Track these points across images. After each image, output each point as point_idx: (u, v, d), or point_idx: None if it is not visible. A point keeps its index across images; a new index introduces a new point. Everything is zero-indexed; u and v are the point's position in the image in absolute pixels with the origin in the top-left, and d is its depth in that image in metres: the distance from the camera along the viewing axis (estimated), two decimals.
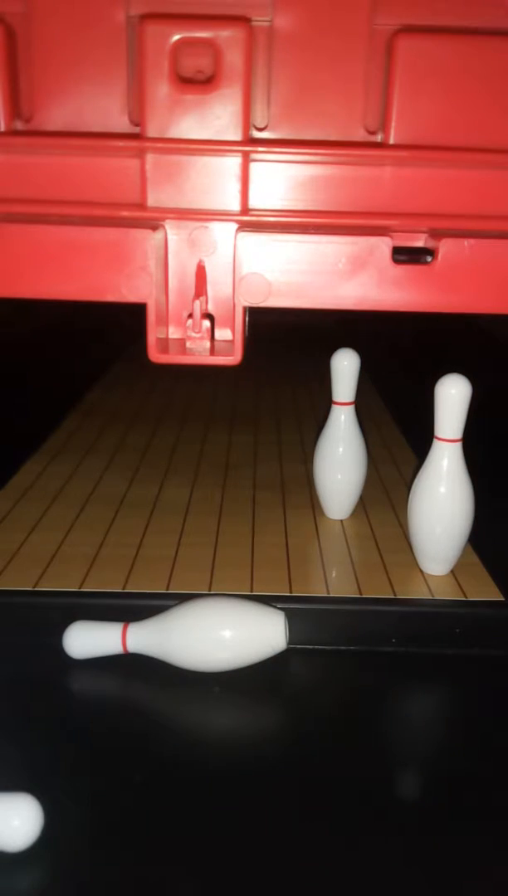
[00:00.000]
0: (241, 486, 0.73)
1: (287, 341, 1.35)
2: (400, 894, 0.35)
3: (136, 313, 0.40)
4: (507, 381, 0.98)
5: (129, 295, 0.38)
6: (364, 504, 0.67)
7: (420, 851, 0.36)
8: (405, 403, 0.97)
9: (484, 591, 0.55)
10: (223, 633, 0.48)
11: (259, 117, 0.38)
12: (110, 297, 0.39)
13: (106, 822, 0.38)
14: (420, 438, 0.58)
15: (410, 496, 0.56)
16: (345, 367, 0.62)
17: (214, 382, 1.09)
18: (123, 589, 0.54)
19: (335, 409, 0.64)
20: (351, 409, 0.63)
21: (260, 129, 0.38)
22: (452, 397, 0.51)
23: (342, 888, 0.35)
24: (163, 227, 0.39)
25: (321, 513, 0.67)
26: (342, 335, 0.82)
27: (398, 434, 0.88)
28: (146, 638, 0.49)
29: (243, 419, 0.93)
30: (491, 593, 0.54)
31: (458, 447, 0.53)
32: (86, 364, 1.22)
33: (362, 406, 0.64)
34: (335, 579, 0.56)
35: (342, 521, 0.66)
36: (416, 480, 0.55)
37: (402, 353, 1.32)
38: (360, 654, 0.52)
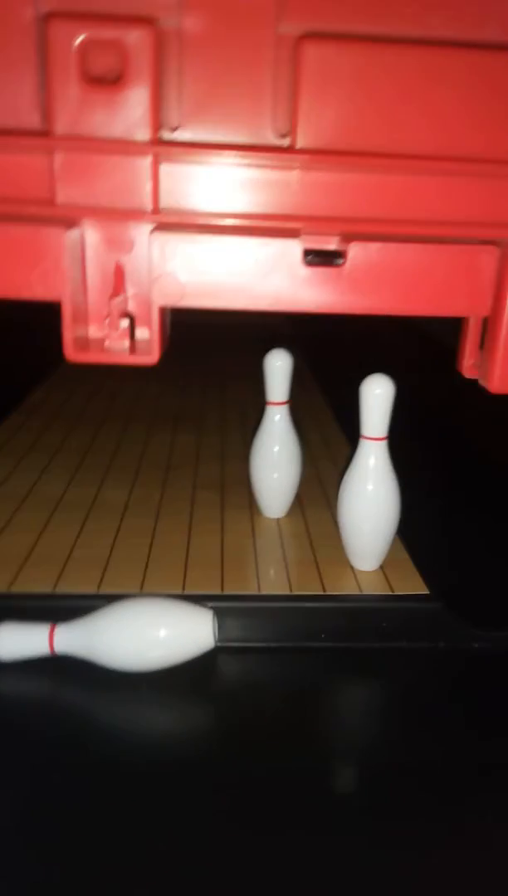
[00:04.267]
0: (181, 485, 0.73)
1: (234, 341, 1.36)
2: (341, 889, 0.35)
3: None
4: (440, 380, 1.00)
5: (42, 293, 0.38)
6: (302, 502, 0.68)
7: (359, 843, 0.37)
8: (349, 402, 0.98)
9: (411, 585, 0.56)
10: (150, 633, 0.48)
11: (174, 116, 0.38)
12: (26, 295, 0.38)
13: (31, 824, 0.38)
14: (358, 435, 0.59)
15: (339, 494, 0.57)
16: (278, 367, 0.63)
17: (160, 383, 1.08)
18: (54, 590, 0.54)
19: (270, 409, 0.64)
20: (285, 408, 0.64)
21: (173, 129, 0.39)
22: (377, 397, 0.52)
23: (279, 885, 0.35)
24: (80, 225, 0.39)
25: (258, 512, 0.67)
26: (293, 335, 0.82)
27: (339, 432, 0.89)
28: (74, 639, 0.48)
29: (187, 420, 0.93)
30: (418, 587, 0.56)
31: (384, 445, 0.54)
32: (30, 363, 1.20)
33: (304, 404, 0.65)
34: (266, 577, 0.57)
35: (278, 519, 0.67)
36: (344, 479, 0.56)
37: (346, 354, 1.34)
38: (289, 651, 0.52)
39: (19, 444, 0.82)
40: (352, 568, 0.58)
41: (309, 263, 0.37)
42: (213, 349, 1.33)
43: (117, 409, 0.96)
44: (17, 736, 0.44)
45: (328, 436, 0.87)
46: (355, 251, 0.37)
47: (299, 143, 0.37)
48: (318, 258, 0.38)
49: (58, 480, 0.73)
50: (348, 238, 0.37)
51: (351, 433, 0.88)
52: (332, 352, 1.20)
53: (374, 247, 0.36)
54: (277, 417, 0.64)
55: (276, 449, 0.64)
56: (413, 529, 0.59)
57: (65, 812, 0.38)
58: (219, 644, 0.50)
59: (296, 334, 0.88)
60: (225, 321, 0.80)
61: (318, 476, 0.75)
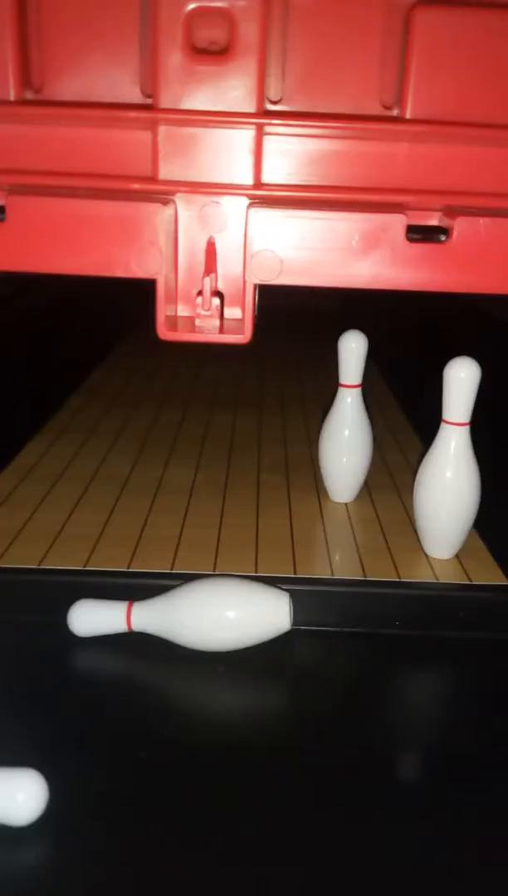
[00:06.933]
0: (245, 468, 0.73)
1: (290, 325, 1.34)
2: (398, 873, 0.35)
3: (138, 295, 0.40)
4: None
5: (138, 270, 0.37)
6: (369, 488, 0.67)
7: (419, 831, 0.37)
8: (410, 387, 0.96)
9: (489, 574, 0.55)
10: (228, 613, 0.48)
11: (273, 90, 0.37)
12: (120, 273, 0.38)
13: (110, 798, 0.38)
14: (424, 422, 0.57)
15: (416, 479, 0.56)
16: (353, 349, 0.62)
17: (217, 366, 1.08)
18: (128, 568, 0.54)
19: (342, 392, 0.63)
20: (358, 391, 0.63)
21: (274, 103, 0.38)
22: (461, 380, 0.51)
23: (340, 866, 0.35)
24: (173, 202, 0.39)
25: (326, 495, 0.67)
26: (346, 318, 0.81)
27: (403, 419, 0.88)
28: (151, 616, 0.49)
29: (246, 402, 0.93)
30: (495, 577, 0.54)
31: (466, 431, 0.53)
32: (87, 345, 1.21)
33: (366, 389, 0.64)
34: (339, 561, 0.56)
35: (346, 504, 0.66)
36: (423, 463, 0.55)
37: (404, 338, 1.32)
38: (364, 636, 0.52)
39: (82, 425, 0.83)
40: (426, 555, 0.57)
41: (412, 240, 0.36)
42: (264, 331, 1.32)
43: (176, 392, 0.96)
44: (94, 711, 0.44)
45: (391, 422, 0.86)
46: (461, 226, 0.36)
47: (409, 114, 0.36)
48: (421, 234, 0.36)
49: (123, 461, 0.73)
50: (453, 213, 0.36)
51: (416, 419, 0.86)
52: (388, 335, 1.18)
53: (483, 222, 0.35)
54: (349, 400, 0.63)
55: (346, 433, 0.63)
56: (489, 519, 0.58)
57: (137, 787, 0.38)
58: (293, 627, 0.50)
59: (347, 315, 0.87)
60: (270, 303, 0.79)
61: (384, 462, 0.74)
